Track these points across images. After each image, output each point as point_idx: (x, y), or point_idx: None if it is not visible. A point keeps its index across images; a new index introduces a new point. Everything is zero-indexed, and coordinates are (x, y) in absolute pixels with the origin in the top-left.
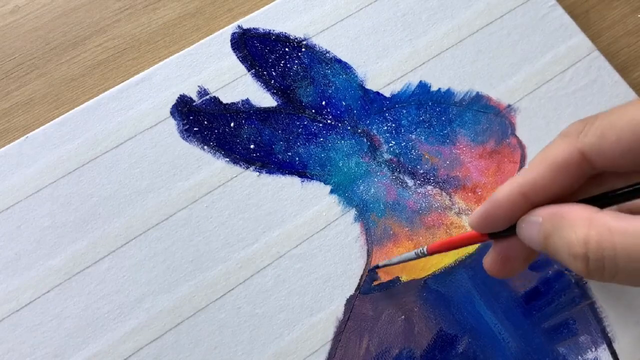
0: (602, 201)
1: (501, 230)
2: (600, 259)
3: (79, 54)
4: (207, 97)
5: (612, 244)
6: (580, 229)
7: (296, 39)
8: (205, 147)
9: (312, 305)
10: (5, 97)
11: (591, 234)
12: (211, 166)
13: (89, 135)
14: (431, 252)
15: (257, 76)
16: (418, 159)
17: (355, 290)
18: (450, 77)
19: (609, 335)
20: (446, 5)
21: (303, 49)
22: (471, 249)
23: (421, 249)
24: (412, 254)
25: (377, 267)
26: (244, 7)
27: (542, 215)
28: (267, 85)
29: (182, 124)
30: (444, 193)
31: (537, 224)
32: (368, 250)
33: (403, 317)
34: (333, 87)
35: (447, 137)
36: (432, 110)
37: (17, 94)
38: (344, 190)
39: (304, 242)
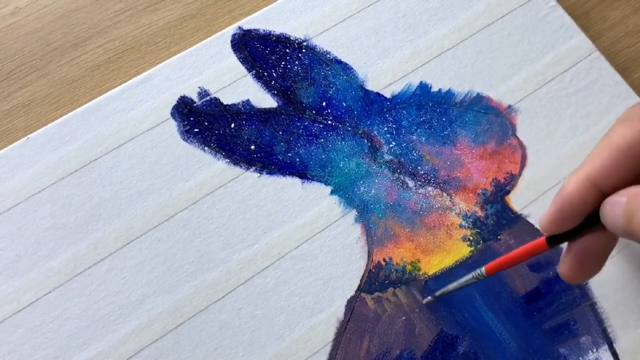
0: None
1: (574, 227)
2: None
3: (79, 55)
4: (208, 98)
5: None
6: None
7: (297, 39)
8: (206, 148)
9: (313, 306)
10: (6, 98)
11: None
12: (212, 167)
13: (89, 137)
14: (490, 272)
15: (258, 77)
16: (419, 159)
17: (356, 291)
18: (451, 77)
19: (610, 336)
20: (447, 6)
21: (303, 50)
22: (469, 250)
23: (478, 271)
24: (469, 277)
25: (435, 296)
26: (244, 8)
27: (627, 195)
28: (268, 86)
29: (183, 125)
30: (444, 194)
31: (622, 204)
32: (369, 251)
33: (404, 318)
34: (334, 88)
35: (447, 138)
36: (432, 111)
37: (17, 95)
38: (344, 191)
39: (304, 243)
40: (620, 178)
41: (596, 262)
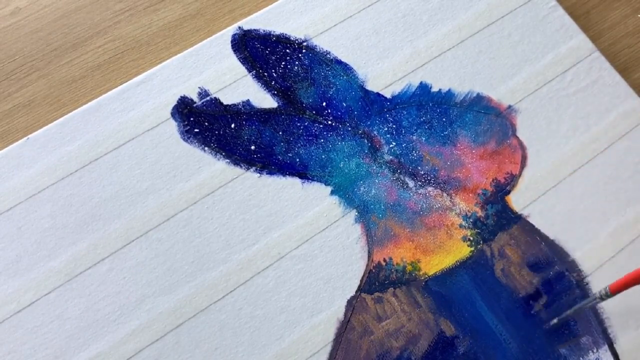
0: None
1: None
2: None
3: (79, 55)
4: (208, 98)
5: None
6: None
7: (297, 40)
8: (206, 148)
9: (313, 306)
10: (6, 98)
11: None
12: (212, 167)
13: (89, 137)
14: (615, 291)
15: (258, 77)
16: (419, 160)
17: (356, 291)
18: (451, 78)
19: (610, 336)
20: (447, 6)
21: (304, 50)
22: (469, 250)
23: (604, 289)
24: (592, 297)
25: (555, 322)
26: (244, 8)
27: None
28: (268, 87)
29: (183, 125)
30: (444, 194)
31: None
32: (369, 252)
33: (404, 318)
34: (334, 88)
35: (447, 138)
36: (432, 111)
37: (18, 96)
38: (344, 191)
39: (304, 243)
40: None
41: None
